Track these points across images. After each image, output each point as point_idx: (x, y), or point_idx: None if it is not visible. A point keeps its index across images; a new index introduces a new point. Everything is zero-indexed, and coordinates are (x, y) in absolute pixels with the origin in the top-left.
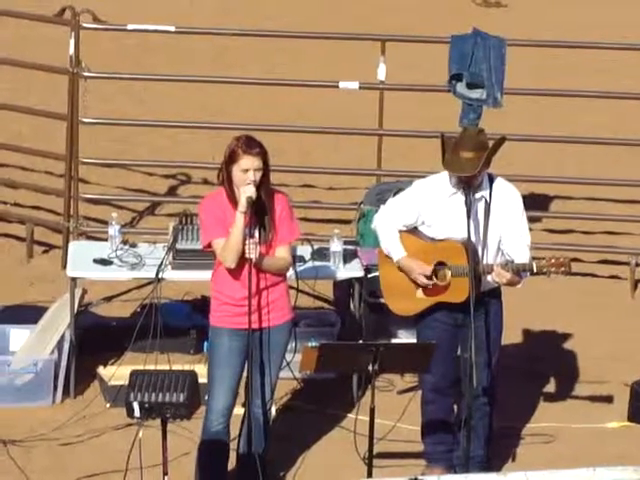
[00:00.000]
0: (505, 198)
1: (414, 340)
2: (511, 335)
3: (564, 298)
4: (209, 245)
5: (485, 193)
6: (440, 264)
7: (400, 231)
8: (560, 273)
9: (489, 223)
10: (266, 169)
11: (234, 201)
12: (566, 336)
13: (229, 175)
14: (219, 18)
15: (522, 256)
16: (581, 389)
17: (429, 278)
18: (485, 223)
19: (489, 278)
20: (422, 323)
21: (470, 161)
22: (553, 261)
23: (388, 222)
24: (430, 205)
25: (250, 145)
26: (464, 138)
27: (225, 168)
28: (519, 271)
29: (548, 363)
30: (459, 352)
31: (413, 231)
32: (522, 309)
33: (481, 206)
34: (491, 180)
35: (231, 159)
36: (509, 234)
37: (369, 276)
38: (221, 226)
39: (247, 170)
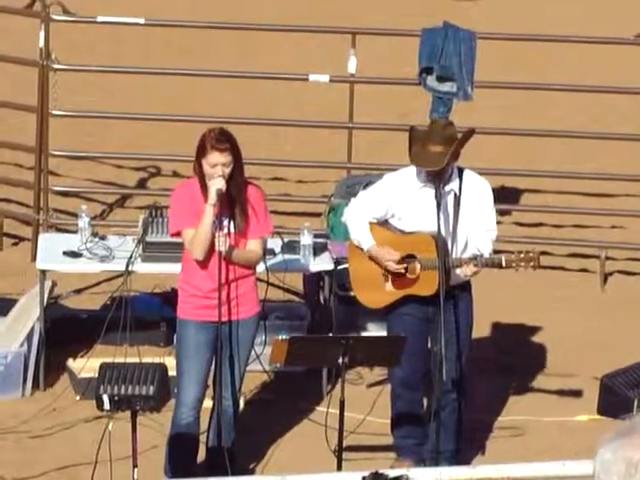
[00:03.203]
0: (475, 191)
1: (384, 333)
2: (481, 328)
3: (534, 291)
4: (177, 233)
5: (455, 186)
6: (409, 257)
7: (370, 223)
8: (529, 267)
9: (459, 216)
10: (237, 163)
11: (205, 192)
12: (536, 329)
13: (200, 166)
14: (190, 10)
15: (484, 250)
16: (551, 382)
17: (399, 265)
18: (455, 216)
19: (457, 271)
20: (392, 316)
21: (438, 155)
22: (522, 256)
23: (358, 214)
24: (400, 198)
25: (219, 140)
26: (432, 131)
27: (196, 160)
28: (487, 265)
29: (518, 356)
30: (429, 346)
31: (383, 223)
32: (492, 302)
33: (451, 199)
34: (460, 173)
35: (200, 152)
36: (476, 227)
37: (339, 269)
38: (192, 216)
39: (215, 165)
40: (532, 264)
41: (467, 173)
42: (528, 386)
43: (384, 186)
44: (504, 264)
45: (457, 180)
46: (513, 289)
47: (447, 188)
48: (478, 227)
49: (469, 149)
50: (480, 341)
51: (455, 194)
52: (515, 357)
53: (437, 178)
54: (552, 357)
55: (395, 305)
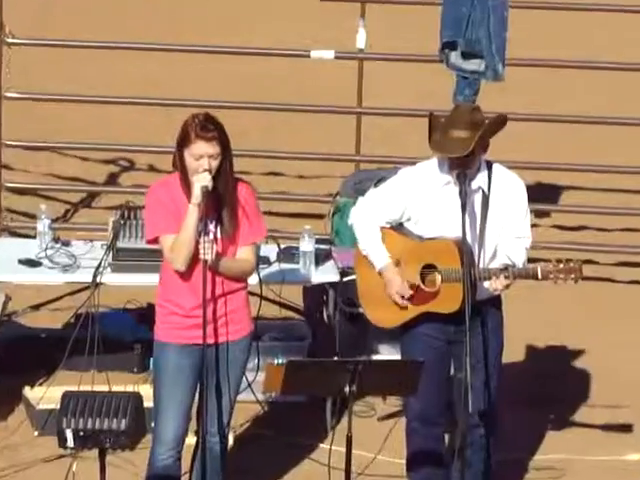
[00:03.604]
0: (506, 189)
1: (398, 357)
2: (513, 351)
3: (576, 307)
4: (155, 240)
5: (482, 183)
6: (428, 267)
7: (383, 227)
8: (570, 280)
9: (487, 219)
10: (226, 155)
11: (188, 190)
12: (578, 353)
13: (182, 159)
14: None
15: (516, 260)
16: (596, 415)
17: (414, 287)
18: (482, 219)
19: (485, 284)
20: (407, 337)
21: (462, 141)
22: (561, 266)
23: (368, 218)
24: (418, 198)
25: (205, 128)
26: (456, 116)
27: (178, 151)
28: (520, 277)
29: (557, 384)
30: (452, 372)
31: (397, 227)
32: (525, 320)
33: (478, 199)
34: (489, 168)
35: (183, 142)
36: (506, 233)
37: (345, 280)
38: (172, 219)
39: (200, 157)
40: (573, 276)
41: (497, 168)
42: (569, 419)
43: (399, 183)
44: (540, 275)
45: (485, 176)
46: (551, 305)
47: (473, 185)
48: (509, 233)
49: (498, 139)
50: (512, 366)
51: (483, 193)
52: (554, 385)
53: (462, 171)
54: (597, 385)
55: (411, 324)
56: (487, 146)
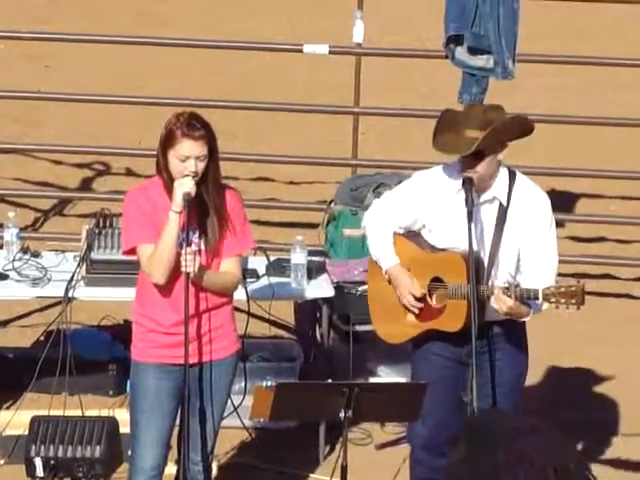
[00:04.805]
0: (529, 204)
1: (399, 379)
2: (531, 374)
3: (593, 325)
4: (132, 250)
5: (500, 193)
6: (436, 280)
7: (396, 233)
8: (571, 306)
9: (503, 232)
10: (213, 158)
11: (172, 196)
12: (603, 376)
13: (166, 161)
14: None
15: (544, 282)
16: (627, 446)
17: (421, 300)
18: (497, 232)
19: (492, 303)
20: (417, 355)
21: (469, 140)
22: (563, 289)
23: (381, 221)
24: (431, 204)
25: (192, 126)
26: (469, 116)
27: (161, 152)
28: (522, 297)
29: (580, 411)
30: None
31: (413, 236)
32: (545, 340)
33: (492, 209)
34: (511, 178)
35: (167, 142)
36: (529, 253)
37: (347, 293)
38: (151, 228)
39: (186, 158)
40: (574, 301)
41: (521, 180)
42: (595, 451)
43: (413, 187)
44: (541, 297)
45: (504, 186)
46: (571, 322)
47: (488, 195)
48: (530, 253)
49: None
50: (531, 391)
51: (500, 203)
52: (576, 412)
53: (469, 176)
54: (626, 412)
55: (423, 342)
56: (502, 148)
